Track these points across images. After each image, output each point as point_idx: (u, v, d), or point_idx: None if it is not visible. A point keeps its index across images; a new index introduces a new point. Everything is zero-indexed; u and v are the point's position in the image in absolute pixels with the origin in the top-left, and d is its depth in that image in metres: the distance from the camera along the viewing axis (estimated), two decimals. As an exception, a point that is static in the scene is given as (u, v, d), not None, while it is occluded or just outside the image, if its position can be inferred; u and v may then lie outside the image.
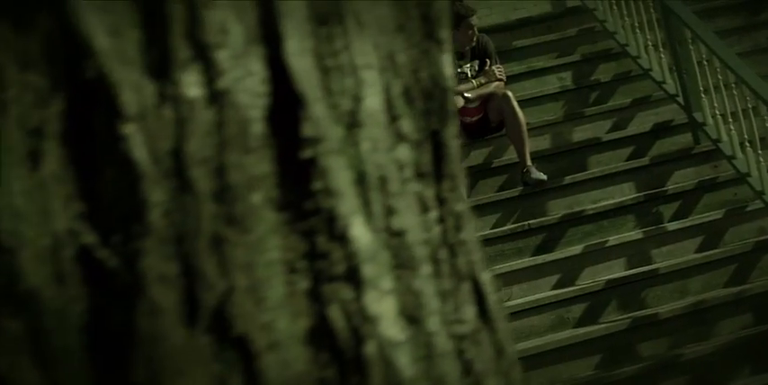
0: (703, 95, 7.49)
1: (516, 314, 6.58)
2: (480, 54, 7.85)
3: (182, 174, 0.86)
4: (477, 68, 7.84)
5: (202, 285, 0.86)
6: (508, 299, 6.80)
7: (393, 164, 1.04)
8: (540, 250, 7.20)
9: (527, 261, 7.01)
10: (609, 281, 6.73)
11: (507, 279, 6.91)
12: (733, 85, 7.11)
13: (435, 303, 1.00)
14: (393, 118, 1.05)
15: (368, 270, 0.96)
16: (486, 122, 7.86)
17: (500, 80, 7.79)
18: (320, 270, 0.94)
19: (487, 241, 7.21)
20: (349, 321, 0.92)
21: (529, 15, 9.57)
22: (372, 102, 1.03)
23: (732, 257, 6.81)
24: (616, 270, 6.97)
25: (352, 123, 1.01)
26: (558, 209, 7.49)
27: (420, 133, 1.09)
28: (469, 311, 1.03)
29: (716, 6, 9.25)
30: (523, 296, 6.84)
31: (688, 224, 7.12)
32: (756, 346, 6.13)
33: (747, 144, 7.06)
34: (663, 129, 7.97)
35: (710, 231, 7.10)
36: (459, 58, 7.82)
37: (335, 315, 0.92)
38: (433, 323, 0.98)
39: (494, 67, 7.80)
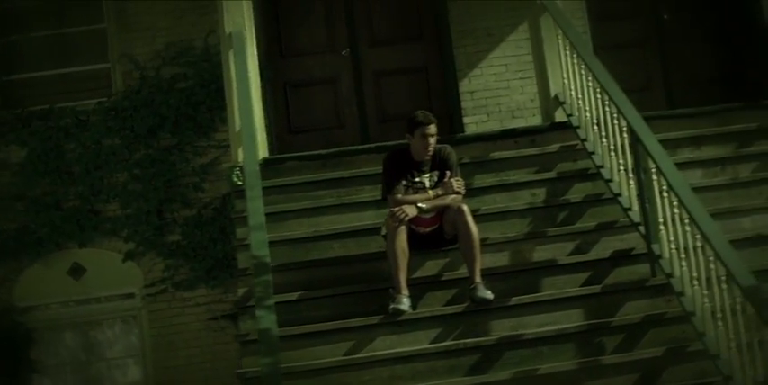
0: (662, 227, 7.32)
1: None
2: (440, 165, 7.75)
3: None
4: (436, 179, 7.74)
5: None
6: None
7: None
8: (473, 371, 7.03)
9: (451, 381, 6.83)
10: (531, 411, 6.54)
11: (431, 398, 6.75)
12: (687, 222, 6.93)
13: None
14: None
15: None
16: (441, 234, 7.73)
17: (457, 193, 7.66)
18: None
19: (422, 356, 7.07)
20: None
21: (514, 127, 9.48)
22: None
23: (662, 399, 6.61)
24: (546, 399, 6.77)
25: None
26: (501, 329, 7.32)
27: None
28: None
29: (705, 134, 9.12)
30: (445, 418, 6.66)
31: (625, 359, 6.92)
32: None
33: (696, 282, 6.86)
34: (623, 257, 7.80)
35: (648, 369, 6.90)
36: (419, 167, 7.74)
37: None
38: None
39: (452, 180, 7.68)
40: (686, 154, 8.97)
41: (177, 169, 10.60)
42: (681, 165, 8.69)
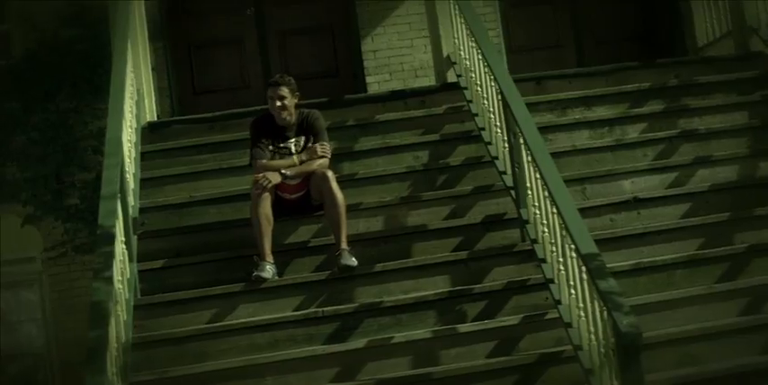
0: (529, 192, 7.21)
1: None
2: (307, 130, 7.65)
3: None
4: (302, 144, 7.63)
5: None
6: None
7: None
8: (332, 339, 6.93)
9: (308, 350, 6.74)
10: (379, 381, 6.45)
11: (287, 367, 6.65)
12: (545, 187, 6.83)
13: None
14: None
15: None
16: (308, 200, 7.63)
17: (323, 158, 7.56)
18: None
19: (281, 325, 6.98)
20: None
21: (403, 88, 9.33)
22: None
23: (515, 368, 6.51)
24: (400, 369, 6.67)
25: None
26: (365, 296, 7.22)
27: None
28: None
29: (597, 94, 8.99)
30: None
31: (482, 327, 6.82)
32: None
33: (554, 248, 6.76)
34: (495, 222, 7.69)
35: (505, 337, 6.79)
36: (284, 132, 7.63)
37: None
38: None
39: (317, 145, 7.57)
40: (576, 114, 8.84)
41: (76, 132, 10.47)
42: (568, 127, 8.67)
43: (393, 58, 10.56)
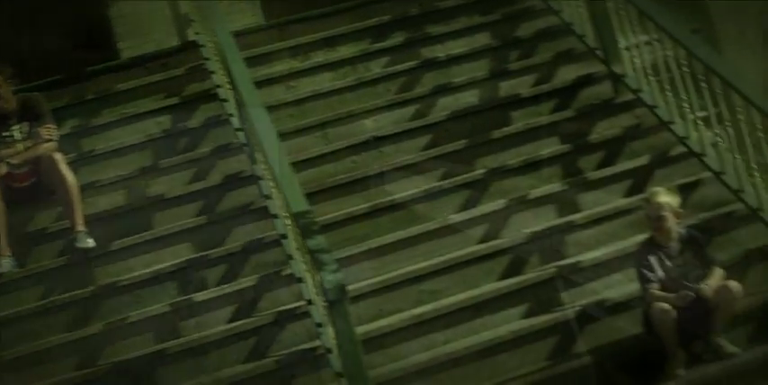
0: (256, 148, 7.04)
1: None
2: (29, 115, 7.42)
3: None
4: (27, 130, 7.40)
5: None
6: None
7: None
8: (71, 327, 6.74)
9: (41, 343, 6.53)
10: (116, 364, 6.30)
11: (23, 363, 6.45)
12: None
13: None
14: None
15: None
16: (40, 186, 7.39)
17: (49, 141, 7.33)
18: None
19: (18, 320, 6.78)
20: None
21: (142, 53, 9.06)
22: None
23: (253, 330, 6.40)
24: (141, 347, 6.52)
25: None
26: (106, 277, 7.04)
27: None
28: None
29: (339, 34, 8.82)
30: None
31: (218, 293, 6.68)
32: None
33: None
34: (234, 181, 7.56)
35: (244, 299, 6.67)
36: (5, 121, 7.39)
37: None
38: None
39: (41, 129, 7.35)
40: (319, 57, 8.66)
41: None
42: (311, 71, 8.52)
43: (143, 20, 10.21)
